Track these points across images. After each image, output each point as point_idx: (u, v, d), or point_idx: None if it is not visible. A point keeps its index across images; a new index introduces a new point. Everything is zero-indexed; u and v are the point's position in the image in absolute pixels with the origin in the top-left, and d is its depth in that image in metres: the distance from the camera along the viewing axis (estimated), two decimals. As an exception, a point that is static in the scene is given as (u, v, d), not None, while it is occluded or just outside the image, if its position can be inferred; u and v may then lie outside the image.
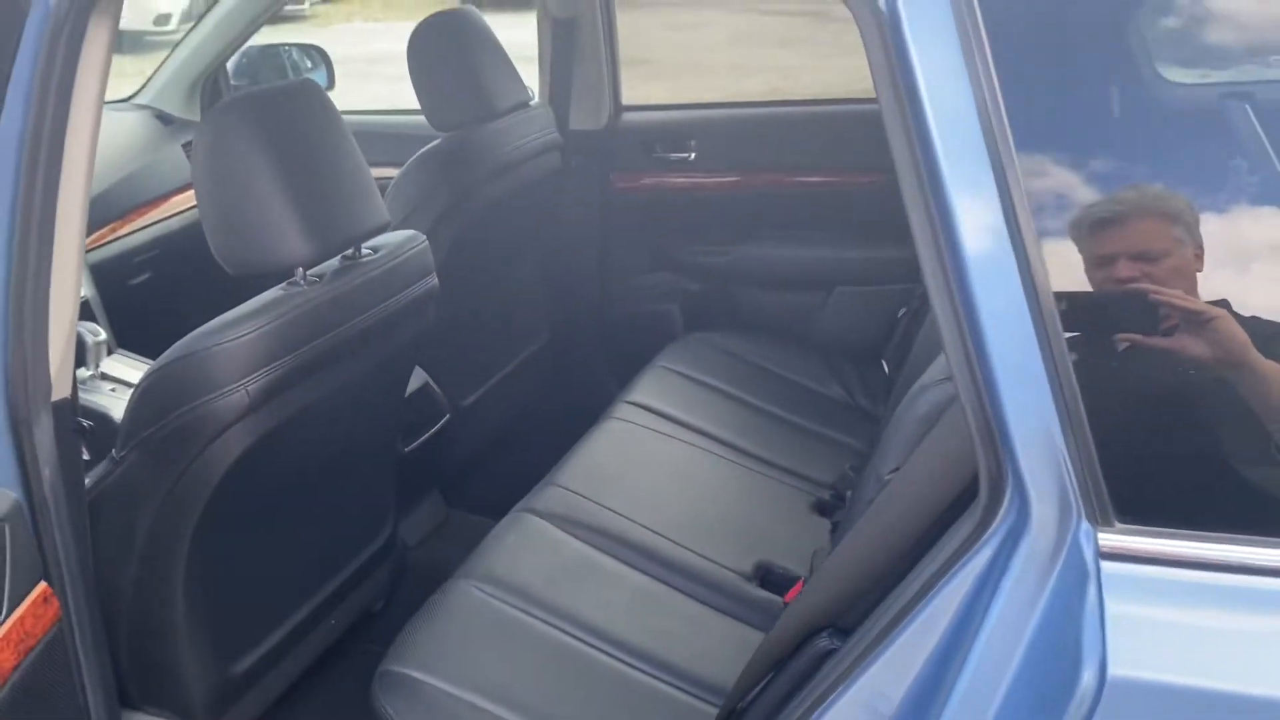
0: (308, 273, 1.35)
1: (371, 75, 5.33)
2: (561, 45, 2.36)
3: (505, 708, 1.34)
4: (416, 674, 1.37)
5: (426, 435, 1.97)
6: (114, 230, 2.33)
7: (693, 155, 2.41)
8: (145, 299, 2.31)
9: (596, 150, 2.42)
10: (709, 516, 1.75)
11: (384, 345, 1.47)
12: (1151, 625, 0.72)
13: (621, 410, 2.00)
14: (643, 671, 1.43)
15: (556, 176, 2.26)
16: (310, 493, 1.53)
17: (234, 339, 1.25)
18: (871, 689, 0.86)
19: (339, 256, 1.42)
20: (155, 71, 2.60)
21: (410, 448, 1.92)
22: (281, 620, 1.57)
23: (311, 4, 10.51)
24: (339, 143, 1.37)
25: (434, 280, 1.56)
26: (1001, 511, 0.78)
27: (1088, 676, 0.71)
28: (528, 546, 1.62)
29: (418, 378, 2.00)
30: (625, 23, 2.49)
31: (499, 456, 2.28)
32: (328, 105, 1.38)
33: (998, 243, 0.76)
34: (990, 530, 0.79)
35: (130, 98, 2.61)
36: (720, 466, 1.91)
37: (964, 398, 0.79)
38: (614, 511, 1.70)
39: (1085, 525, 0.74)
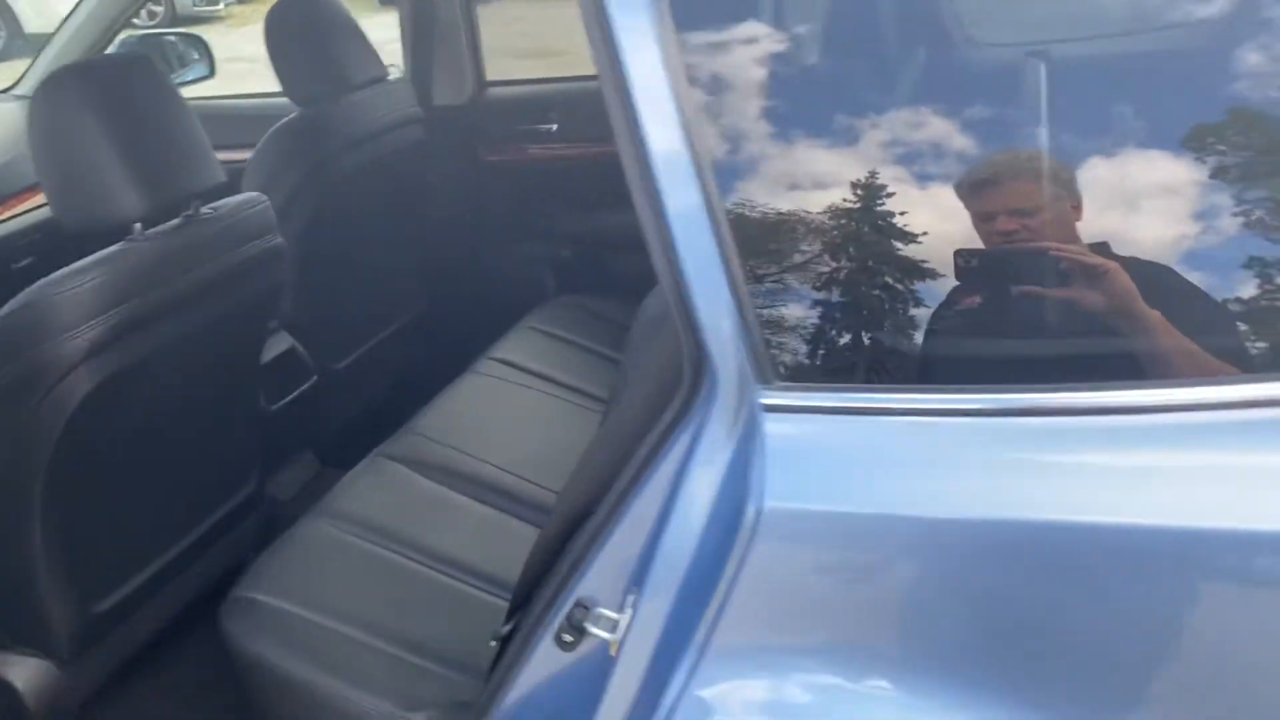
0: (146, 230, 1.45)
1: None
2: (423, 23, 2.47)
3: (349, 625, 1.46)
4: (263, 598, 1.49)
5: (293, 395, 2.07)
6: (-12, 214, 2.39)
7: (555, 127, 2.53)
8: (29, 282, 2.38)
9: (462, 124, 2.53)
10: (557, 455, 1.88)
11: (226, 299, 1.58)
12: (799, 463, 0.86)
13: (483, 365, 2.13)
14: (482, 589, 1.56)
15: (420, 150, 2.37)
16: (166, 440, 1.63)
17: (73, 288, 1.35)
18: (615, 551, 1.00)
19: (181, 216, 1.52)
20: (33, 63, 2.66)
21: (277, 406, 2.03)
22: (144, 563, 1.67)
23: (226, 4, 10.46)
24: (170, 108, 1.47)
25: (277, 240, 1.67)
26: (702, 388, 0.92)
27: (751, 511, 0.86)
28: (379, 487, 1.74)
29: (284, 341, 2.11)
30: (544, 14, 2.62)
31: (372, 419, 2.38)
32: (159, 75, 1.48)
33: (684, 169, 0.89)
34: (694, 404, 0.92)
35: (9, 89, 2.68)
36: (573, 413, 2.04)
37: (669, 298, 0.93)
38: (465, 453, 1.83)
39: (755, 388, 0.88)
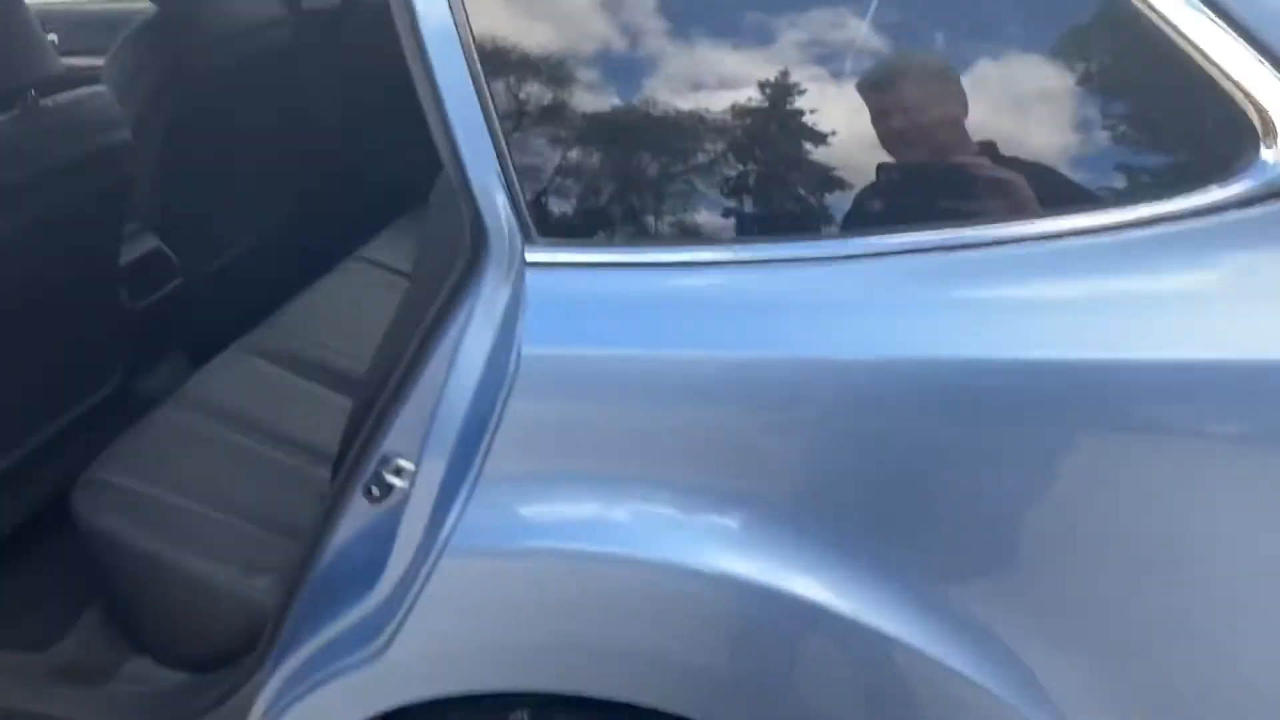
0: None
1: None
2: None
3: (197, 501, 1.52)
4: (113, 478, 1.54)
5: (158, 295, 2.09)
6: None
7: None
8: None
9: (331, 26, 2.53)
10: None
11: (70, 193, 1.60)
12: (554, 311, 0.94)
13: (351, 264, 2.17)
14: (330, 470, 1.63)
15: (288, 51, 2.37)
16: (19, 330, 1.65)
17: None
18: (413, 407, 1.07)
19: (18, 107, 1.53)
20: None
21: (142, 305, 2.05)
22: (3, 451, 1.70)
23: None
24: None
25: (123, 135, 1.69)
26: (479, 251, 0.99)
27: (513, 359, 0.94)
28: (235, 377, 1.79)
29: (148, 241, 2.12)
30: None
31: (246, 322, 2.42)
32: None
33: (450, 42, 0.96)
34: (474, 266, 1.00)
35: None
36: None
37: (448, 169, 0.99)
38: (323, 346, 1.89)
39: (522, 247, 0.96)
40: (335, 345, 1.89)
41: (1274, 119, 0.81)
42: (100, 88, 1.67)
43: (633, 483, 0.93)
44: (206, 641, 1.46)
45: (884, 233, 0.89)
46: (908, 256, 0.88)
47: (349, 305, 2.03)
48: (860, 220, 0.92)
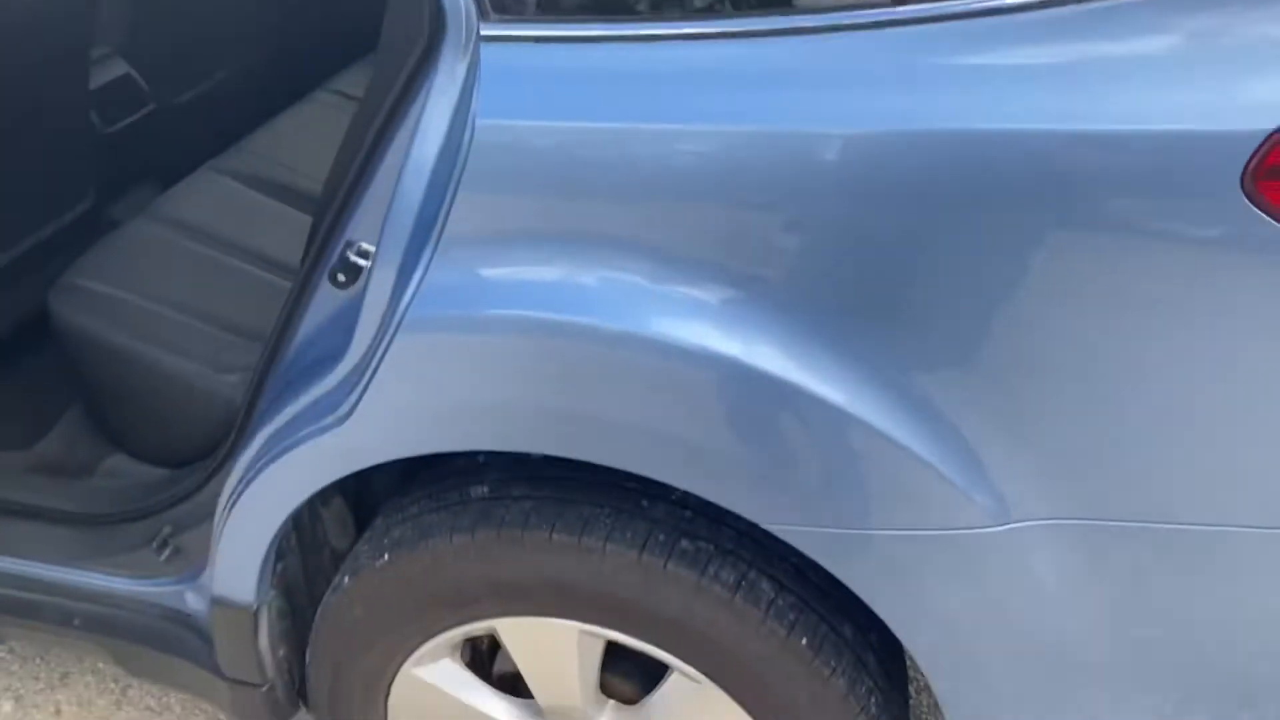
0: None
1: None
2: None
3: (168, 306, 1.58)
4: (88, 283, 1.59)
5: (128, 121, 2.10)
6: None
7: None
8: None
9: None
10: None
11: (33, 8, 1.60)
12: (508, 83, 0.98)
13: (320, 95, 2.18)
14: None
15: None
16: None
17: None
18: (375, 191, 1.11)
19: None
20: None
21: (113, 130, 2.06)
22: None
23: None
24: None
25: None
26: (437, 33, 1.02)
27: (468, 131, 0.98)
28: (205, 195, 1.82)
29: (119, 67, 2.12)
30: None
31: (216, 151, 2.42)
32: None
33: None
34: (433, 45, 1.02)
35: None
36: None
37: None
38: (289, 168, 1.91)
39: (478, 24, 0.99)
40: (302, 169, 1.91)
41: None
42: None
43: (572, 252, 0.98)
44: (180, 436, 1.53)
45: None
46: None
47: (316, 132, 2.05)
48: None
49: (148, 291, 1.59)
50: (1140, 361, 0.91)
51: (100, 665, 1.89)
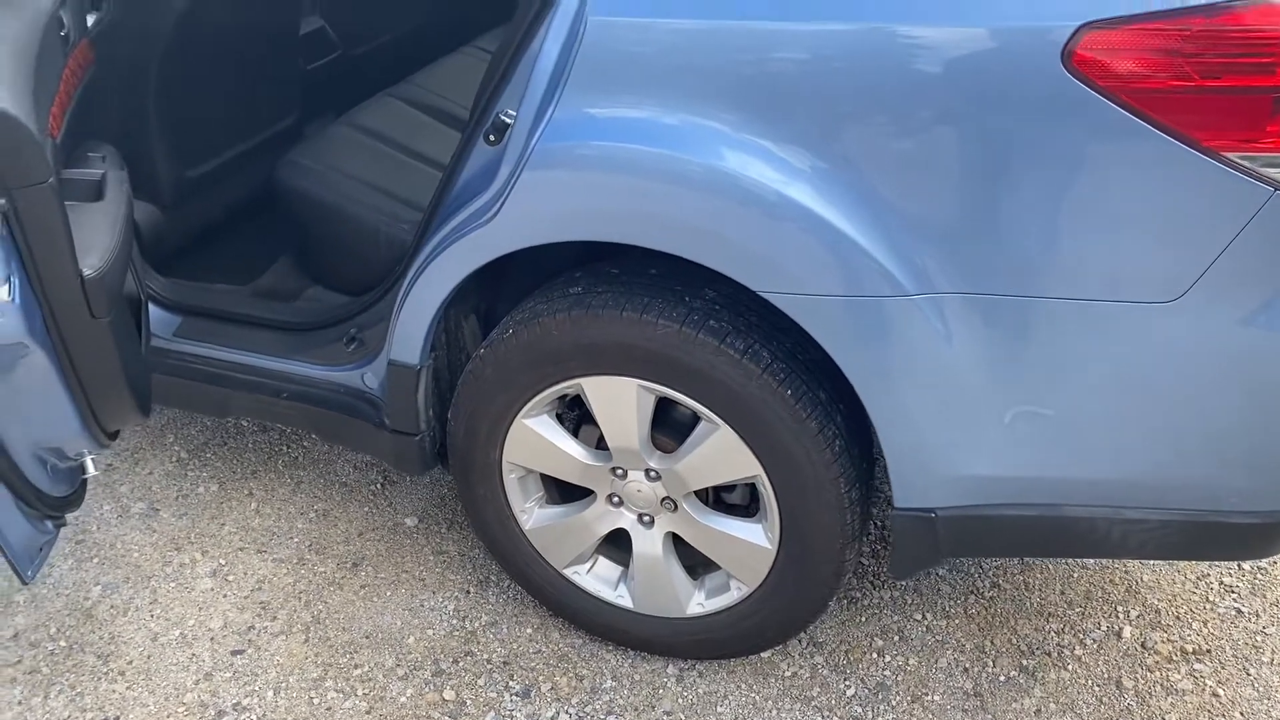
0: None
1: None
2: None
3: (361, 181, 2.18)
4: (306, 160, 2.21)
5: (321, 62, 2.74)
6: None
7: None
8: None
9: None
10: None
11: None
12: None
13: (466, 50, 2.78)
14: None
15: None
16: (232, 63, 2.31)
17: None
18: (519, 75, 1.67)
19: None
20: None
21: (310, 67, 2.70)
22: (219, 151, 2.38)
23: None
24: None
25: None
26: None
27: (582, 26, 1.53)
28: (383, 111, 2.43)
29: (315, 21, 2.76)
30: None
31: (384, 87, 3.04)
32: None
33: None
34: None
35: None
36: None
37: None
38: (445, 98, 2.51)
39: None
40: (450, 98, 2.51)
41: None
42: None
43: (672, 110, 1.50)
44: (362, 269, 2.12)
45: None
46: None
47: (462, 75, 2.63)
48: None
49: (344, 169, 2.20)
50: (1004, 184, 1.42)
51: (280, 466, 2.51)
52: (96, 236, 1.43)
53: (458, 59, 2.73)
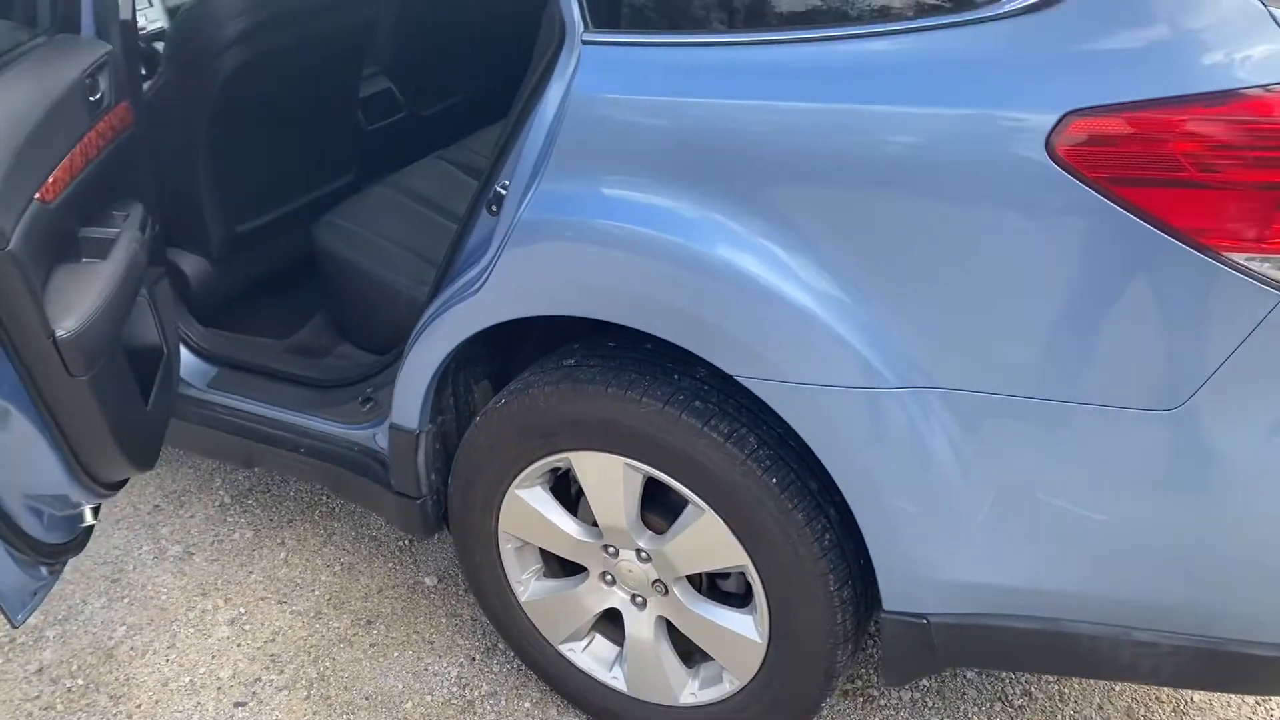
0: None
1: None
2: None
3: (396, 244, 2.21)
4: (342, 221, 2.25)
5: (385, 123, 2.81)
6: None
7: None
8: None
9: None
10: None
11: (330, 22, 2.30)
12: (596, 71, 1.51)
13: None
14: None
15: None
16: (290, 120, 2.39)
17: None
18: (518, 149, 1.67)
19: None
20: None
21: (372, 127, 2.77)
22: (273, 206, 2.46)
23: None
24: None
25: None
26: (561, 37, 1.57)
27: (568, 101, 1.52)
28: (430, 174, 2.47)
29: (383, 83, 2.84)
30: None
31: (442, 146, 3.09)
32: None
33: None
34: (557, 48, 1.57)
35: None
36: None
37: None
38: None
39: (580, 33, 1.53)
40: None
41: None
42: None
43: (647, 188, 1.48)
44: (388, 330, 2.14)
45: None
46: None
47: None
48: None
49: (378, 230, 2.24)
50: (988, 276, 1.32)
51: (316, 516, 2.55)
52: (80, 297, 1.48)
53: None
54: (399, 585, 2.34)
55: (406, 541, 2.46)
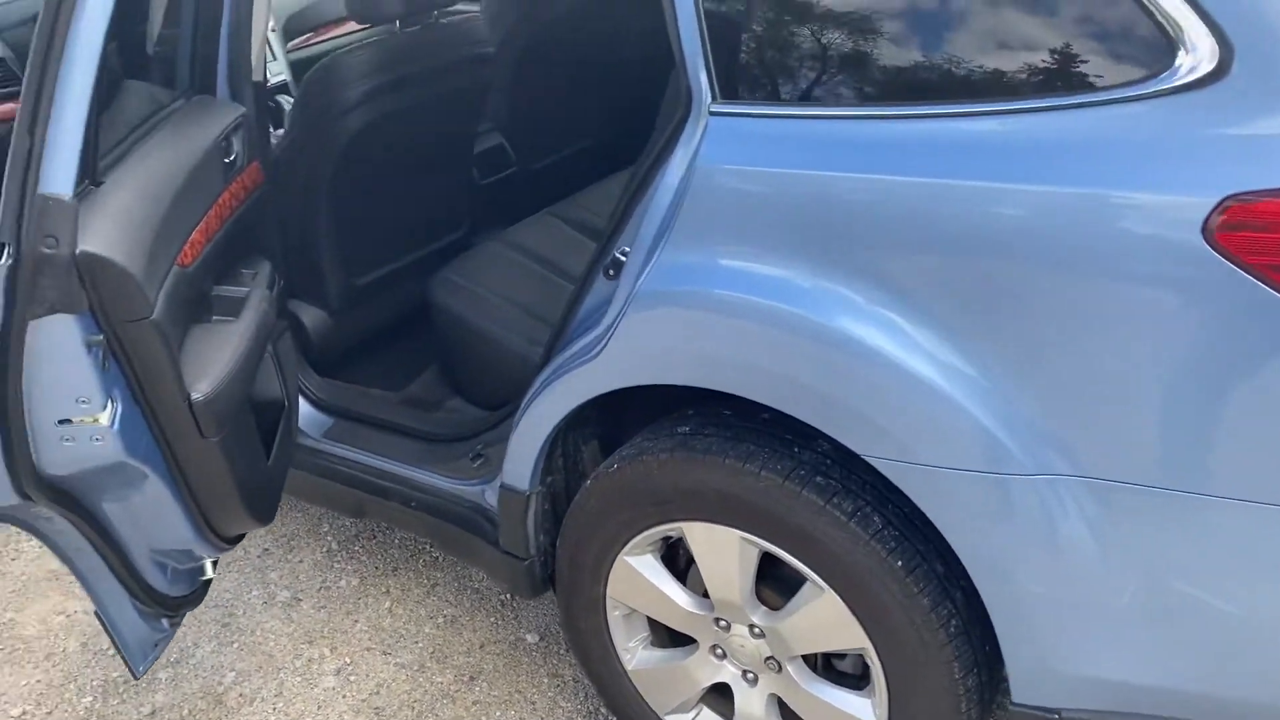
0: (403, 28, 2.22)
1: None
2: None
3: (510, 302, 2.23)
4: (457, 278, 2.28)
5: (496, 177, 2.85)
6: (307, 40, 3.30)
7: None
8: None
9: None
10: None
11: (448, 83, 2.34)
12: (723, 142, 1.49)
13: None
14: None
15: (610, 6, 3.01)
16: (407, 178, 2.43)
17: (357, 56, 2.14)
18: (637, 215, 1.66)
19: (423, 22, 2.28)
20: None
21: (485, 182, 2.81)
22: (389, 260, 2.50)
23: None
24: None
25: (488, 49, 2.41)
26: (689, 108, 1.56)
27: (694, 171, 1.50)
28: (542, 230, 2.49)
29: (496, 138, 2.88)
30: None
31: (553, 200, 3.11)
32: None
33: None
34: (683, 118, 1.56)
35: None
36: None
37: (677, 62, 1.56)
38: (601, 217, 2.54)
39: (709, 103, 1.52)
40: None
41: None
42: (477, 12, 2.41)
43: (769, 259, 1.45)
44: (499, 387, 2.15)
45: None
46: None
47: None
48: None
49: (492, 287, 2.25)
50: (1141, 363, 1.26)
51: (420, 565, 2.56)
52: (214, 359, 1.52)
53: (624, 178, 2.76)
54: (501, 641, 2.33)
55: (508, 596, 2.46)
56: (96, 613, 1.56)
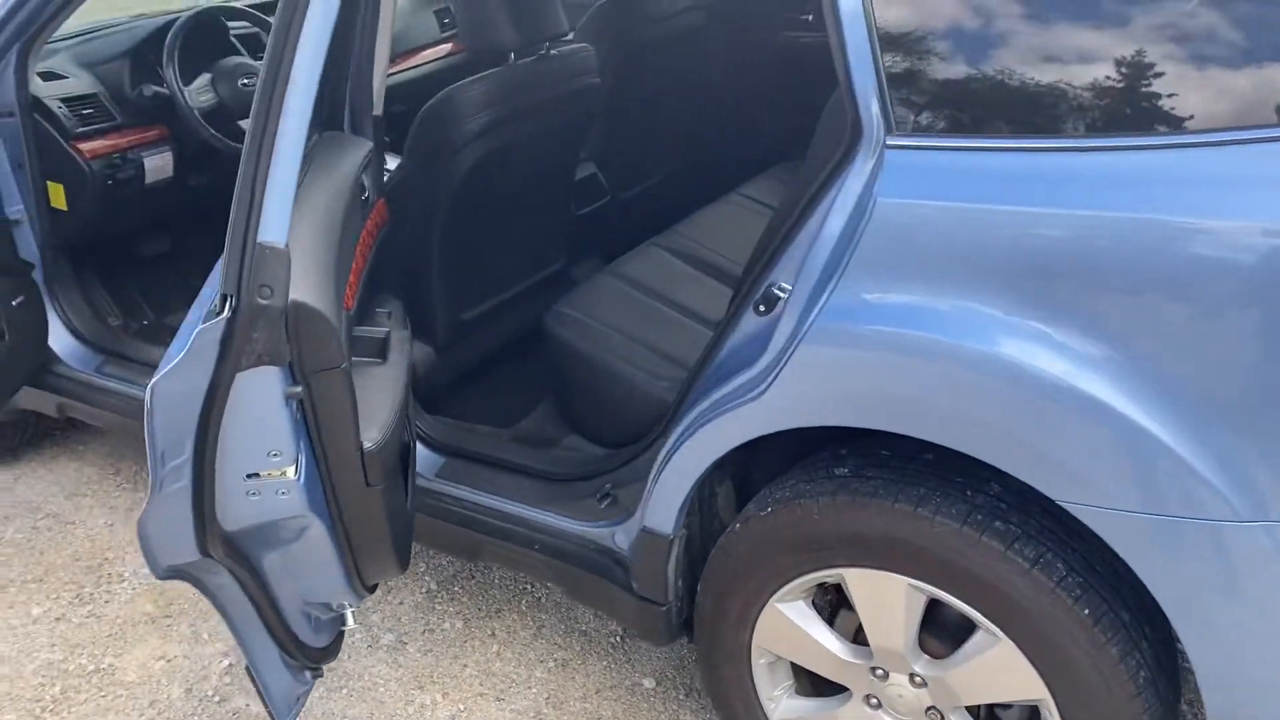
0: (517, 60, 2.19)
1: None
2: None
3: (624, 335, 2.17)
4: (572, 311, 2.23)
5: (591, 207, 2.81)
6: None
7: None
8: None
9: (733, 15, 3.15)
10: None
11: (557, 116, 2.30)
12: (900, 176, 1.44)
13: (732, 197, 2.77)
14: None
15: (700, 31, 3.00)
16: (513, 212, 2.39)
17: (473, 88, 2.10)
18: (795, 248, 1.61)
19: (537, 54, 2.25)
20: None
21: (581, 212, 2.77)
22: (494, 293, 2.46)
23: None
24: None
25: (595, 79, 2.37)
26: (856, 139, 1.51)
27: (870, 206, 1.45)
28: (649, 262, 2.44)
29: (589, 168, 2.84)
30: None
31: (647, 231, 3.07)
32: None
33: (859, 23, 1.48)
34: (851, 149, 1.51)
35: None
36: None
37: (841, 85, 1.51)
38: (708, 248, 2.49)
39: (884, 136, 1.47)
40: (717, 249, 2.49)
41: None
42: (586, 44, 2.37)
43: (961, 298, 1.40)
44: (620, 424, 2.10)
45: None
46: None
47: (728, 224, 2.64)
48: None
49: (609, 322, 2.20)
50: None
51: (524, 606, 2.50)
52: (378, 406, 1.47)
53: (723, 207, 2.72)
54: (617, 686, 2.26)
55: (619, 638, 2.39)
56: (247, 667, 1.50)
